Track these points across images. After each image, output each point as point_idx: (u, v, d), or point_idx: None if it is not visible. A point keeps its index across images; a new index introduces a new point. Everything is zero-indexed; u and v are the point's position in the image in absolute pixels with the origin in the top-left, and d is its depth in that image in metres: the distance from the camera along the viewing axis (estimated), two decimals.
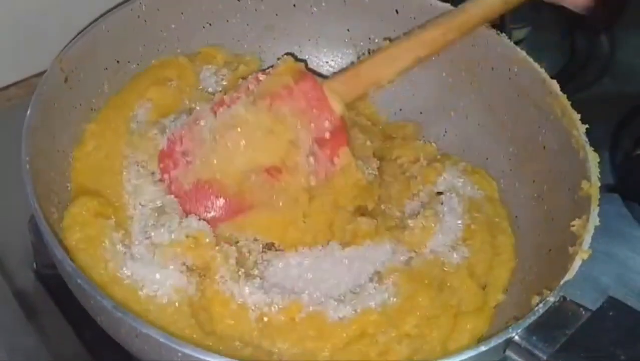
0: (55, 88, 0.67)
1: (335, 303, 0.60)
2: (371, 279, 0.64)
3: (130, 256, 0.62)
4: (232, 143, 0.65)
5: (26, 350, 0.66)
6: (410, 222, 0.68)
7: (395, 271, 0.63)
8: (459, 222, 0.68)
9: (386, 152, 0.77)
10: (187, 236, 0.62)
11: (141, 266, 0.61)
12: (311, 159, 0.65)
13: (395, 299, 0.61)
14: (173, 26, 0.79)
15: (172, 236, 0.62)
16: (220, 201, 0.65)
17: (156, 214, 0.66)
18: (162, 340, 0.49)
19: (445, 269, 0.65)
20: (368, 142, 0.73)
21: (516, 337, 0.53)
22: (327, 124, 0.66)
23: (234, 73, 0.80)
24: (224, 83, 0.79)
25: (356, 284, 0.63)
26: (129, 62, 0.76)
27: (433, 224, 0.67)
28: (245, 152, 0.65)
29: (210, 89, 0.78)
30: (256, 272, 0.64)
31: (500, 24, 0.99)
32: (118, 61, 0.75)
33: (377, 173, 0.71)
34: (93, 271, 0.59)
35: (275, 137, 0.65)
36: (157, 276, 0.60)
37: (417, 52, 0.70)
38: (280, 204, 0.65)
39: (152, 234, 0.63)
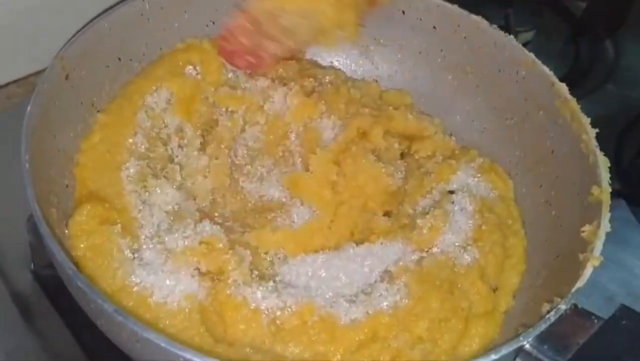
0: (56, 86, 0.65)
1: (347, 305, 0.59)
2: (382, 279, 0.63)
3: (139, 262, 0.60)
4: None
5: (24, 351, 0.65)
6: (419, 221, 0.66)
7: (407, 271, 0.63)
8: (470, 222, 0.67)
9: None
10: (201, 243, 0.61)
11: (151, 272, 0.59)
12: None
13: (406, 300, 0.60)
14: (176, 24, 0.78)
15: (186, 243, 0.61)
16: None
17: (171, 218, 0.65)
18: (163, 344, 0.48)
19: (456, 270, 0.64)
20: (396, 145, 0.75)
21: (527, 345, 0.52)
22: None
23: None
24: None
25: (367, 283, 0.63)
26: (131, 60, 0.75)
27: (442, 224, 0.66)
28: None
29: (239, 72, 0.77)
30: (271, 270, 0.64)
31: (505, 26, 0.98)
32: (120, 59, 0.74)
33: (404, 177, 0.72)
34: (102, 281, 0.58)
35: None
36: (167, 282, 0.59)
37: None
38: None
39: (166, 239, 0.62)
